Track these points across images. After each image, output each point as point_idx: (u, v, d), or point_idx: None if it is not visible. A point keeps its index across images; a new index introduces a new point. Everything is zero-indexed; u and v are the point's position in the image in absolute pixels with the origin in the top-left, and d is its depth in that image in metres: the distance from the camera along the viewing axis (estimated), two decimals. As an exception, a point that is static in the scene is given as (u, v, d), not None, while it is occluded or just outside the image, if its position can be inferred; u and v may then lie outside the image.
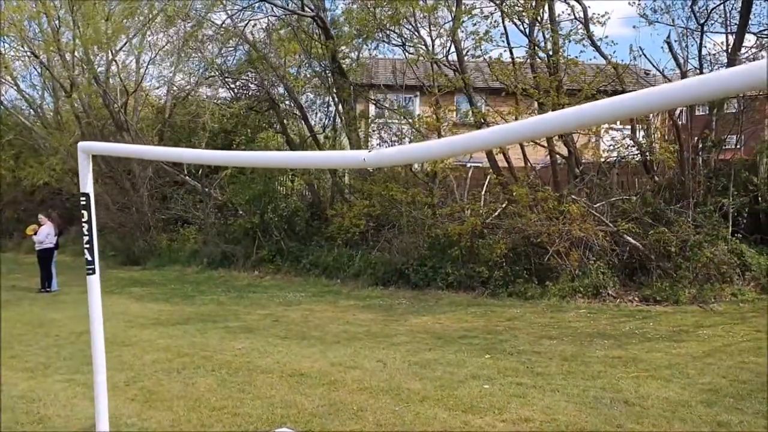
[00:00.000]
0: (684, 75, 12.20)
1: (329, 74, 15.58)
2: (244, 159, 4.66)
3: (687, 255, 10.57)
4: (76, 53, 21.26)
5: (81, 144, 3.83)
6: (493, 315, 9.66)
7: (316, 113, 17.91)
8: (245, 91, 18.89)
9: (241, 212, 17.44)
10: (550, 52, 12.14)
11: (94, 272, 3.90)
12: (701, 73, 12.80)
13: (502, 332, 8.47)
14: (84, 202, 3.81)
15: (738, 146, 13.04)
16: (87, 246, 3.84)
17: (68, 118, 24.97)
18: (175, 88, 22.81)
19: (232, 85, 19.08)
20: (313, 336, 8.49)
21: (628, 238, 10.84)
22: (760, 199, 15.31)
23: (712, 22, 12.98)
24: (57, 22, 21.10)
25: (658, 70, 12.72)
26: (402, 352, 7.41)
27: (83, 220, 3.82)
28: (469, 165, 15.76)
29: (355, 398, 5.72)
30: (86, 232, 3.84)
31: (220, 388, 6.13)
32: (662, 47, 12.13)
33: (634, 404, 5.40)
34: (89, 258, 3.87)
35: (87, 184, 3.82)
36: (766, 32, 14.82)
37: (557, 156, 12.91)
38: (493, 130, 2.39)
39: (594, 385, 5.96)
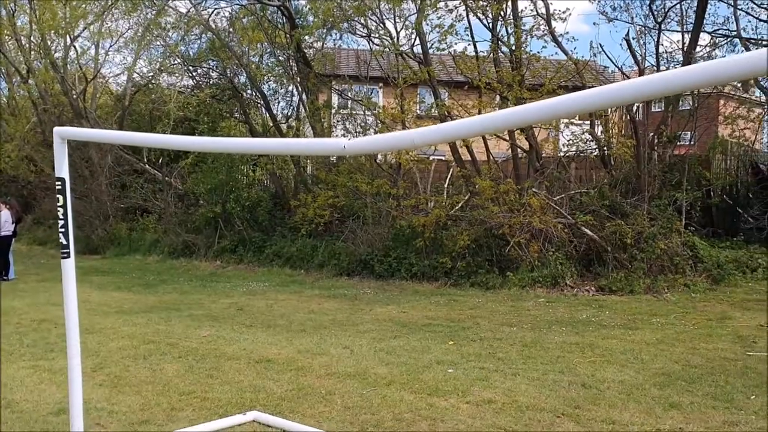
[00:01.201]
0: (642, 72, 12.57)
1: (293, 64, 15.60)
2: (222, 145, 4.74)
3: (642, 247, 10.94)
4: (32, 38, 20.83)
5: (57, 129, 3.87)
6: (456, 304, 9.87)
7: (279, 103, 17.90)
8: (207, 80, 18.76)
9: (202, 202, 17.35)
10: (513, 47, 12.37)
11: (69, 256, 3.94)
12: (658, 70, 13.21)
13: (464, 320, 8.68)
14: (60, 187, 3.84)
15: (692, 142, 13.49)
16: (62, 230, 3.88)
17: (24, 104, 24.47)
18: (136, 75, 22.53)
19: (194, 74, 18.92)
20: (279, 324, 8.58)
21: (586, 230, 11.16)
22: (712, 193, 15.89)
23: (669, 20, 13.39)
24: (13, 5, 20.64)
25: (617, 67, 13.08)
26: (368, 339, 7.55)
27: (59, 204, 3.86)
28: (432, 158, 15.98)
29: (323, 383, 5.84)
30: (61, 217, 3.87)
31: (187, 373, 6.19)
32: (621, 44, 12.42)
33: (591, 387, 5.63)
34: (64, 242, 3.91)
35: (63, 168, 3.86)
36: (719, 31, 15.35)
37: (519, 150, 13.20)
38: (475, 120, 2.52)
39: (553, 369, 6.19)
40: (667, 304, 9.62)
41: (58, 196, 3.83)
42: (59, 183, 3.82)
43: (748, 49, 15.44)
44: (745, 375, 5.95)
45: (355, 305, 9.96)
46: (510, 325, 8.31)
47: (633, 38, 13.85)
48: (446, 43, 12.41)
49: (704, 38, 15.16)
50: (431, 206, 12.58)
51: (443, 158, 15.76)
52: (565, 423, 4.77)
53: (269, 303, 10.23)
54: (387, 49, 13.79)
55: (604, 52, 12.67)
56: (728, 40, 15.61)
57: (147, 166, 20.59)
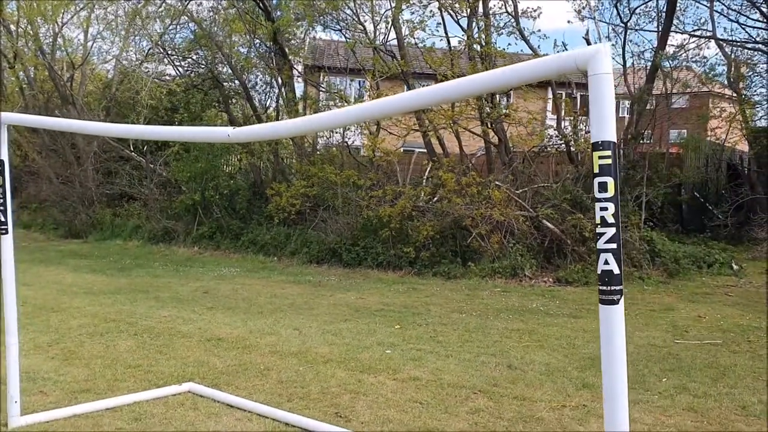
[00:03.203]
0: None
1: (272, 55, 15.89)
2: (126, 131, 5.07)
3: (600, 240, 11.26)
4: (20, 24, 21.05)
5: (1, 115, 4.17)
6: (414, 292, 10.20)
7: (260, 94, 18.18)
8: (188, 70, 19.02)
9: (184, 189, 17.65)
10: (483, 43, 12.68)
11: (6, 232, 4.25)
12: (624, 69, 13.57)
13: (417, 307, 9.01)
14: (-1, 168, 4.15)
15: (650, 141, 13.84)
16: (1, 208, 4.18)
17: (12, 89, 24.68)
18: (124, 62, 22.75)
19: (176, 63, 19.18)
20: (239, 307, 8.90)
21: (547, 223, 11.49)
22: (683, 191, 16.25)
23: (636, 19, 13.71)
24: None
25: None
26: (319, 322, 7.88)
27: (-2, 184, 4.17)
28: (417, 151, 16.30)
29: (265, 360, 6.17)
30: (0, 196, 4.18)
31: (139, 349, 6.51)
32: (586, 39, 12.74)
33: (516, 368, 5.97)
34: (2, 219, 4.21)
35: (2, 152, 4.16)
36: (696, 32, 15.64)
37: (491, 144, 13.55)
38: (338, 112, 2.84)
39: (486, 352, 6.52)
40: (618, 296, 9.95)
41: (-3, 176, 4.13)
42: (-2, 165, 4.12)
43: (722, 50, 15.80)
44: (665, 360, 6.29)
45: (316, 291, 10.29)
46: (460, 312, 8.64)
47: (605, 37, 14.22)
48: (415, 37, 12.69)
49: (684, 39, 15.52)
50: (401, 197, 12.88)
51: (425, 151, 16.06)
52: (479, 398, 5.11)
53: (235, 287, 10.55)
54: (360, 43, 14.07)
55: (566, 49, 13.00)
56: (704, 41, 15.98)
57: (132, 153, 20.86)
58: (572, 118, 13.41)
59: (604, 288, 2.07)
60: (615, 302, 2.07)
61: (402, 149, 17.05)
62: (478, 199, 11.33)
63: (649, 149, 13.35)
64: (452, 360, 6.22)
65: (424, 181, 14.33)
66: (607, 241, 2.02)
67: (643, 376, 5.76)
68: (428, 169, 14.97)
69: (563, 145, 13.05)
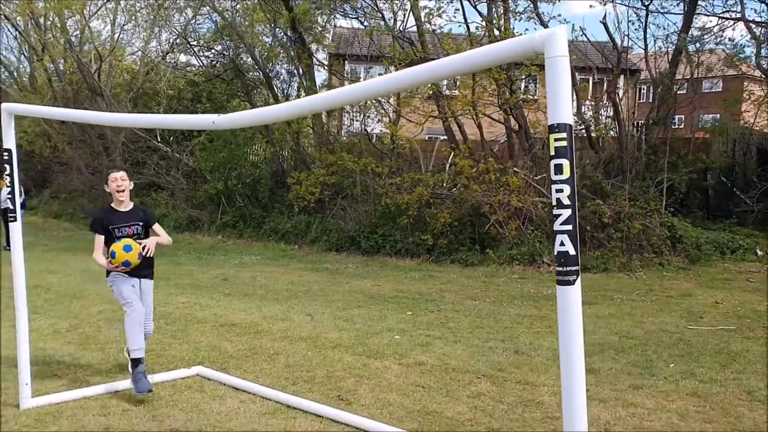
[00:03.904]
0: (619, 54, 12.73)
1: (292, 45, 15.97)
2: (116, 120, 5.20)
3: (619, 227, 11.17)
4: (49, 17, 21.45)
5: (4, 105, 4.29)
6: (430, 279, 10.23)
7: (283, 83, 18.30)
8: (213, 60, 19.22)
9: (208, 178, 17.88)
10: (502, 29, 12.61)
11: (15, 219, 4.38)
12: (646, 52, 13.36)
13: (432, 294, 9.05)
14: (6, 157, 4.28)
15: (677, 126, 13.63)
16: (9, 196, 4.32)
17: (43, 81, 25.21)
18: (153, 53, 23.09)
19: (200, 54, 19.40)
20: (256, 294, 9.03)
21: (566, 209, 11.39)
22: (709, 176, 15.97)
23: (660, 2, 13.50)
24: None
25: (597, 49, 13.27)
26: (332, 309, 7.97)
27: (6, 173, 4.30)
28: (441, 138, 16.29)
29: (275, 345, 6.27)
30: (8, 184, 4.31)
31: (154, 334, 6.62)
32: (604, 23, 12.56)
33: (523, 353, 5.98)
34: (11, 207, 4.35)
35: (9, 140, 4.29)
36: (723, 13, 15.30)
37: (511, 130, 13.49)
38: (324, 95, 2.89)
39: (495, 338, 6.55)
40: (636, 282, 9.89)
41: (5, 165, 4.26)
42: (6, 153, 4.25)
43: (751, 31, 15.47)
44: (676, 346, 6.25)
45: (333, 278, 10.38)
46: (474, 299, 8.66)
47: (630, 21, 14.02)
48: (433, 24, 12.65)
49: (712, 21, 15.21)
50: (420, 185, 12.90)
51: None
52: (482, 383, 5.14)
53: (254, 275, 10.70)
54: (378, 31, 14.07)
55: (584, 34, 12.88)
56: (731, 23, 15.65)
57: (159, 143, 21.17)
58: (593, 103, 13.27)
59: (561, 269, 2.09)
60: (571, 282, 2.10)
61: (426, 137, 17.06)
62: (496, 186, 11.30)
63: (671, 134, 13.14)
64: (460, 345, 6.25)
65: (447, 168, 14.32)
66: (563, 223, 2.04)
67: (650, 361, 5.74)
68: (450, 156, 14.96)
69: (583, 131, 12.92)
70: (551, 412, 4.53)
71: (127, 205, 5.13)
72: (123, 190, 5.02)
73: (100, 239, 4.99)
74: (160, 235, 5.38)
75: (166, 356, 5.85)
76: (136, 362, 4.81)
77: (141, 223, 5.16)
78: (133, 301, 4.93)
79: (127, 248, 4.83)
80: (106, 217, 5.06)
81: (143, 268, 5.12)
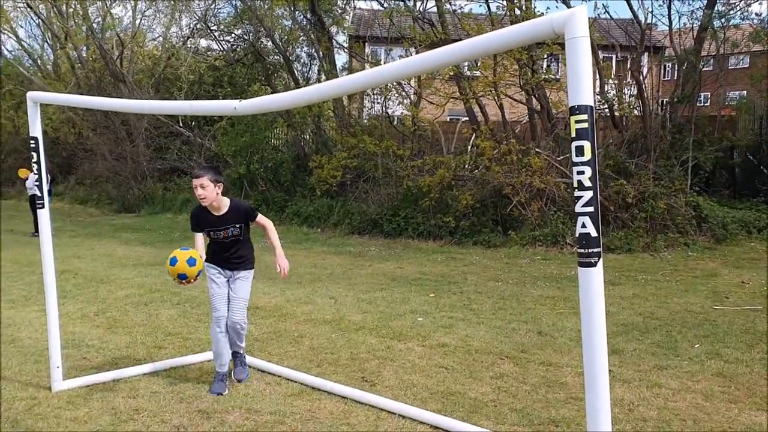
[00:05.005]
0: (643, 30, 12.53)
1: (311, 28, 15.96)
2: (137, 106, 5.20)
3: (643, 206, 11.07)
4: (70, 5, 21.62)
5: (30, 94, 4.35)
6: (453, 261, 10.24)
7: (303, 66, 18.31)
8: (234, 45, 19.26)
9: (230, 162, 18.01)
10: (524, 8, 12.47)
11: (43, 206, 4.46)
12: (670, 30, 13.13)
13: (454, 276, 9.06)
14: (33, 145, 4.34)
15: (707, 103, 13.41)
16: (37, 183, 4.39)
17: (67, 68, 25.47)
18: (174, 39, 23.22)
19: (221, 38, 19.45)
20: (279, 277, 9.08)
21: (589, 189, 11.31)
22: (735, 154, 15.71)
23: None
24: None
25: (620, 27, 13.08)
26: (355, 291, 8.02)
27: (33, 161, 4.36)
28: (463, 120, 16.21)
29: (299, 327, 6.34)
30: (36, 172, 4.38)
31: (180, 318, 6.77)
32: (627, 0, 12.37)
33: (546, 335, 5.98)
34: (39, 194, 4.42)
35: (36, 128, 4.35)
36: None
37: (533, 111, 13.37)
38: (344, 79, 2.89)
39: (518, 319, 6.55)
40: (660, 262, 9.81)
41: (32, 153, 4.33)
42: (33, 141, 4.31)
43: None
44: (701, 326, 6.20)
45: (356, 261, 10.43)
46: (496, 280, 8.66)
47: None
48: (454, 4, 12.54)
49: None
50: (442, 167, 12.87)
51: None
52: (505, 364, 5.16)
53: (277, 258, 10.76)
54: (397, 12, 13.99)
55: (608, 12, 12.69)
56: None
57: (181, 128, 21.34)
58: (616, 81, 13.10)
59: (582, 251, 2.09)
60: (593, 264, 2.09)
61: (448, 118, 16.99)
62: (518, 167, 11.24)
63: (696, 112, 12.92)
64: (483, 327, 6.27)
65: (468, 149, 14.26)
66: (585, 204, 2.04)
67: (675, 342, 5.71)
68: (472, 137, 14.90)
69: (607, 110, 12.77)
70: (575, 393, 4.53)
71: (221, 208, 4.66)
72: (204, 198, 4.50)
73: (198, 237, 4.74)
74: (264, 225, 5.16)
75: (192, 339, 5.94)
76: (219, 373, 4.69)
77: (237, 225, 4.82)
78: (216, 307, 4.79)
79: (191, 262, 4.35)
80: (201, 216, 4.70)
81: (234, 260, 4.98)
